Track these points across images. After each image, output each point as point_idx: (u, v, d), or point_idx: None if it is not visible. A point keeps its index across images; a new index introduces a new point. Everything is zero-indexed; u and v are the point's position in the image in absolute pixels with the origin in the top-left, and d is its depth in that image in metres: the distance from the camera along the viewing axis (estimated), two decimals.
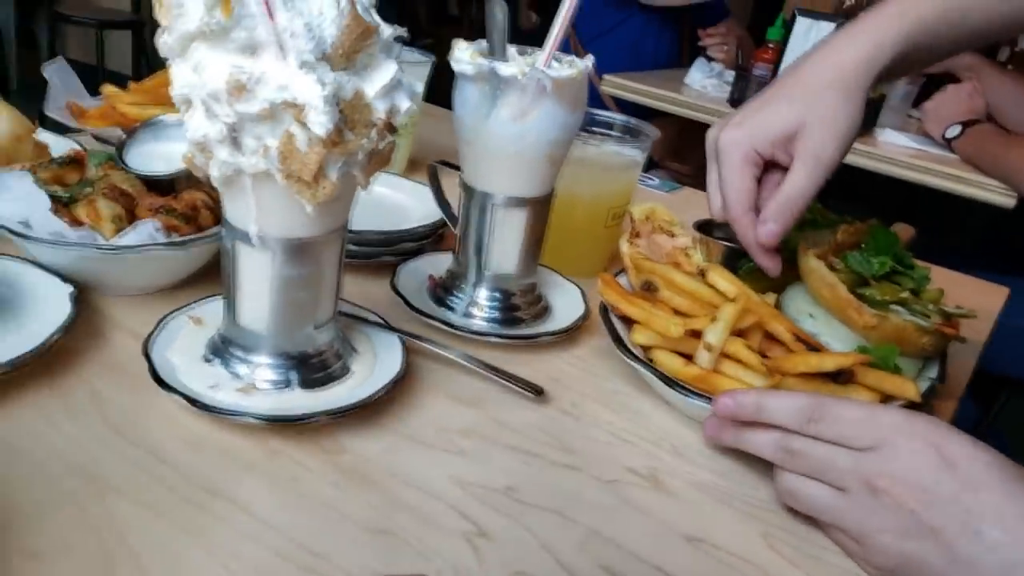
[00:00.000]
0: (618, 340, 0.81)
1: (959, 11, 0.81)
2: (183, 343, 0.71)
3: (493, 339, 0.84)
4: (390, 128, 0.63)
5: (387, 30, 0.60)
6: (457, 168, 0.88)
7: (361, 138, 0.60)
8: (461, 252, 0.89)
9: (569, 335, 0.88)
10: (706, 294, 0.83)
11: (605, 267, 1.07)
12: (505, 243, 0.86)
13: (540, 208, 0.87)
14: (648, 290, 0.84)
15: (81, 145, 1.00)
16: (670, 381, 0.75)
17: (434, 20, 5.92)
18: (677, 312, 0.84)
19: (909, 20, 0.79)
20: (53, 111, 1.10)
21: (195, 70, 0.56)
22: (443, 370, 0.79)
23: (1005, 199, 2.18)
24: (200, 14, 0.54)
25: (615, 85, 2.71)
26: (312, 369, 0.70)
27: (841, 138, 0.79)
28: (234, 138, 0.58)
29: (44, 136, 0.99)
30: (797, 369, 0.77)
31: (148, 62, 5.74)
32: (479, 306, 0.88)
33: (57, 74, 1.11)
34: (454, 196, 0.91)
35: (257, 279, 0.65)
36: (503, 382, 0.77)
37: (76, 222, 0.77)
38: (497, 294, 0.89)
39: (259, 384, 0.68)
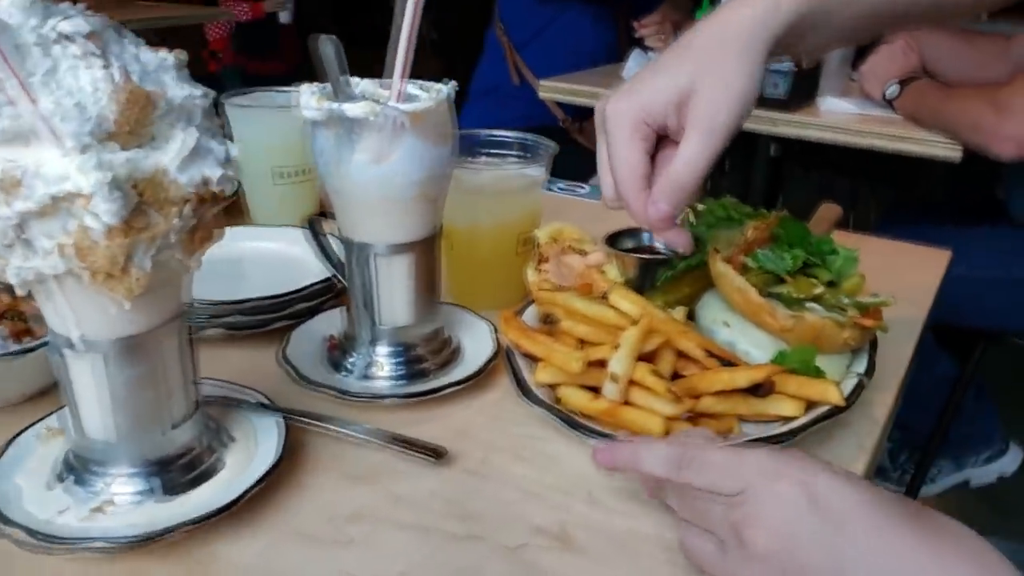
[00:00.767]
0: (519, 383, 0.75)
1: None
2: (35, 462, 0.65)
3: (390, 401, 0.78)
4: (213, 198, 0.57)
5: (178, 94, 0.54)
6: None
7: (170, 218, 0.54)
8: (352, 309, 0.83)
9: (479, 381, 0.82)
10: (610, 318, 0.78)
11: (525, 295, 1.01)
12: (394, 293, 0.81)
13: (426, 250, 0.81)
14: (548, 322, 0.78)
15: None
16: (573, 423, 0.69)
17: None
18: (582, 342, 0.78)
19: None
20: None
21: None
22: (335, 445, 0.73)
23: (951, 152, 2.14)
24: None
25: (553, 89, 2.66)
26: (178, 472, 0.64)
27: (735, 101, 0.68)
28: (24, 240, 0.52)
29: None
30: (712, 388, 0.72)
31: None
32: (378, 364, 0.82)
33: None
34: None
35: (91, 386, 0.59)
36: (400, 449, 0.71)
37: None
38: (397, 348, 0.83)
39: (117, 499, 0.61)
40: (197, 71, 0.56)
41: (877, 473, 2.35)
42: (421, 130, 0.73)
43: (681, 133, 0.71)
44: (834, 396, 0.71)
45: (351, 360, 0.83)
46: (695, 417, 0.72)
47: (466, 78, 2.86)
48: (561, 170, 1.46)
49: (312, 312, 0.92)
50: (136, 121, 0.52)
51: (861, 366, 0.79)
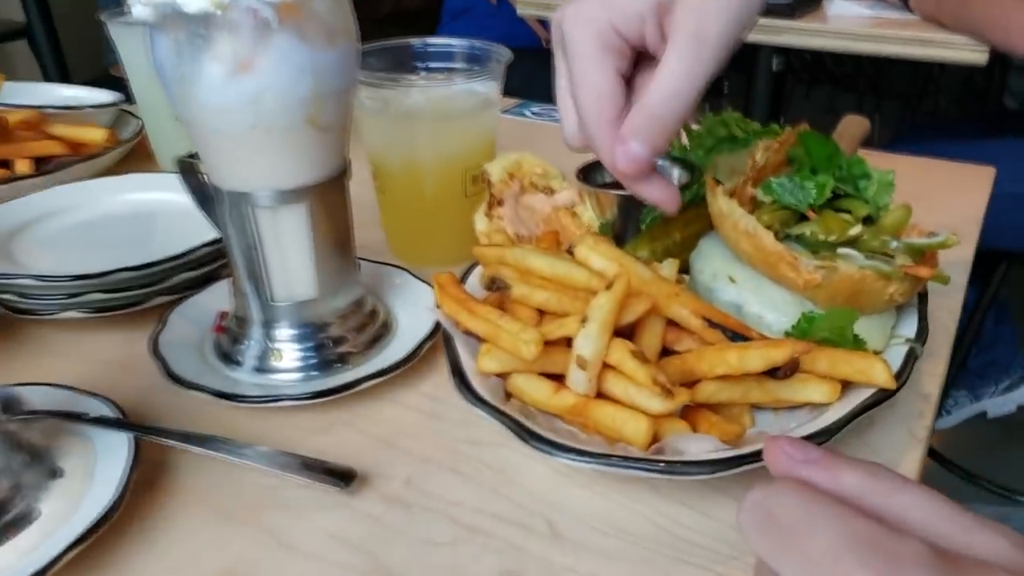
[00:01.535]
0: (458, 373, 0.56)
1: None
2: None
3: (288, 403, 0.59)
4: None
5: None
6: None
7: None
8: (236, 282, 0.63)
9: (414, 367, 0.63)
10: (577, 279, 0.58)
11: None
12: (287, 258, 0.61)
13: (329, 196, 0.61)
14: (496, 289, 0.59)
15: None
16: (526, 432, 0.50)
17: None
18: (541, 313, 0.59)
19: None
20: None
21: None
22: (209, 468, 0.54)
23: (976, 56, 1.91)
24: None
25: (533, 4, 2.38)
26: None
27: (730, 5, 0.51)
28: None
29: None
30: (714, 371, 0.53)
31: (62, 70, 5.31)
32: (276, 353, 0.63)
33: None
34: None
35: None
36: (292, 476, 0.53)
37: None
38: (301, 330, 0.63)
39: None
40: None
41: None
42: (297, 27, 0.52)
43: (663, 48, 0.50)
44: (881, 376, 0.52)
45: (242, 348, 0.64)
46: (693, 409, 0.53)
47: None
48: (545, 97, 1.25)
49: (203, 282, 0.73)
50: None
51: (910, 327, 0.60)
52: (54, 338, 0.71)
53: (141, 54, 0.95)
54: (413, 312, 0.69)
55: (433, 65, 0.81)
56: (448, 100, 0.78)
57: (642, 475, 0.47)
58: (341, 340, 0.64)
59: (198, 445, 0.54)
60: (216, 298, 0.70)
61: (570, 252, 0.60)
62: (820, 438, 0.49)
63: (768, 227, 0.58)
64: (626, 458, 0.47)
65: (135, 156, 1.07)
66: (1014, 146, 1.92)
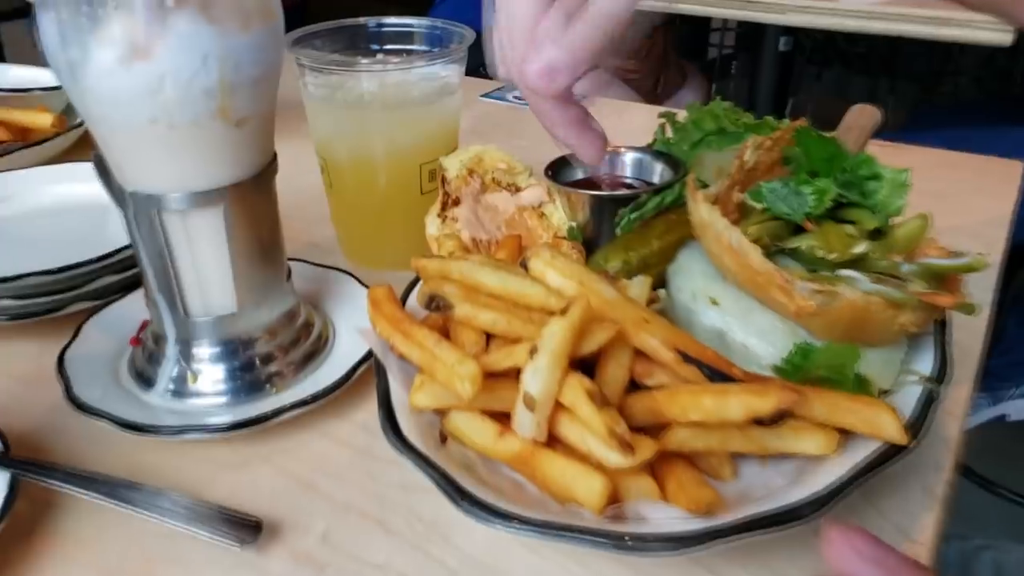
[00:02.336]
0: (386, 409, 0.48)
1: None
2: None
3: (193, 436, 0.51)
4: None
5: None
6: None
7: None
8: (148, 293, 0.55)
9: (351, 391, 0.55)
10: (534, 298, 0.50)
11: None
12: (203, 268, 0.53)
13: (250, 196, 0.53)
14: (436, 309, 0.51)
15: None
16: (457, 492, 0.42)
17: None
18: (488, 338, 0.51)
19: None
20: None
21: None
22: (103, 511, 0.47)
23: (1000, 36, 1.80)
24: None
25: None
26: None
27: None
28: None
29: None
30: (686, 416, 0.45)
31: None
32: (192, 375, 0.55)
33: None
34: None
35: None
36: (183, 528, 0.45)
37: None
38: (223, 348, 0.56)
39: None
40: None
41: None
42: (201, 7, 0.44)
43: None
44: (890, 428, 0.43)
45: (156, 367, 0.56)
46: (663, 458, 0.45)
47: None
48: None
49: (129, 287, 0.65)
50: None
51: (925, 362, 0.51)
52: None
53: None
54: (355, 323, 0.61)
55: (389, 47, 0.73)
56: (404, 86, 0.69)
57: (593, 550, 0.39)
58: (269, 358, 0.57)
59: (81, 487, 0.46)
60: (143, 306, 0.62)
61: (524, 266, 0.51)
62: (811, 507, 0.41)
63: (756, 241, 0.50)
64: (574, 528, 0.39)
65: (87, 143, 0.99)
66: None
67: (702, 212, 0.51)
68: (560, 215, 0.66)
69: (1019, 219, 0.92)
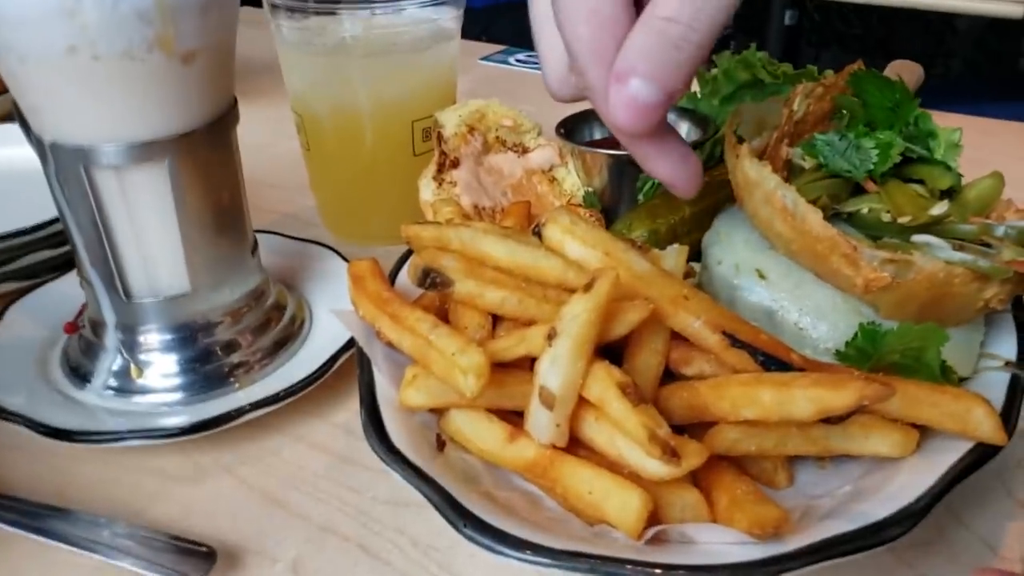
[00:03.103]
0: (369, 407, 0.39)
1: None
2: None
3: (138, 442, 0.42)
4: None
5: None
6: None
7: None
8: (80, 271, 0.46)
9: (326, 385, 0.47)
10: (549, 272, 0.41)
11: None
12: (146, 238, 0.44)
13: (204, 150, 0.44)
14: (433, 287, 0.42)
15: None
16: (458, 513, 0.33)
17: None
18: (495, 320, 0.42)
19: None
20: None
21: None
22: (24, 546, 0.38)
23: (1012, 8, 1.74)
24: None
25: None
26: None
27: None
28: None
29: None
30: (738, 414, 0.36)
31: None
32: (137, 368, 0.46)
33: None
34: None
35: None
36: (121, 564, 0.36)
37: None
38: (175, 336, 0.47)
39: None
40: None
41: None
42: None
43: None
44: (986, 426, 0.35)
45: (94, 360, 0.47)
46: (705, 467, 0.37)
47: None
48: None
49: (64, 266, 0.56)
50: None
51: (1006, 344, 0.43)
52: None
53: None
54: (336, 305, 0.52)
55: None
56: (393, 30, 0.60)
57: None
58: (231, 347, 0.48)
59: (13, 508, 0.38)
60: (74, 289, 0.53)
61: (537, 234, 0.43)
62: (901, 526, 0.33)
63: (814, 201, 0.41)
64: (608, 560, 0.31)
65: None
66: None
67: (748, 170, 0.43)
68: (574, 179, 0.58)
69: None
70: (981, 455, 0.36)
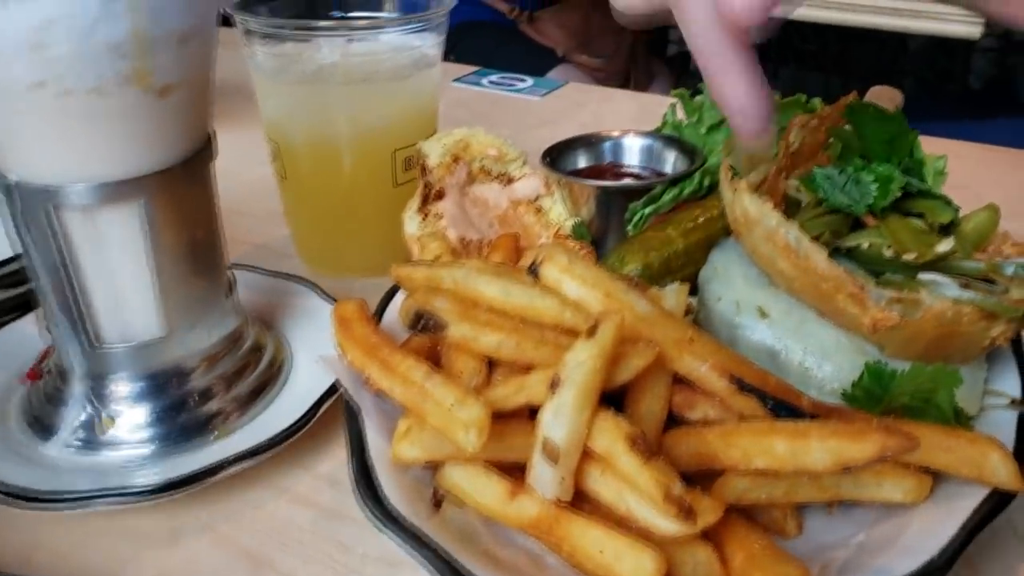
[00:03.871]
0: (358, 460, 0.37)
1: None
2: None
3: (107, 506, 0.39)
4: None
5: None
6: None
7: None
8: (46, 316, 0.43)
9: (312, 432, 0.44)
10: (547, 312, 0.39)
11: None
12: (117, 281, 0.41)
13: (180, 189, 0.41)
14: (425, 330, 0.40)
15: None
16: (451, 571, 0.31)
17: None
18: (491, 364, 0.40)
19: None
20: None
21: None
22: None
23: (969, 28, 1.78)
24: None
25: None
26: None
27: None
28: None
29: None
30: (750, 463, 0.35)
31: None
32: (107, 420, 0.43)
33: None
34: None
35: None
36: None
37: None
38: (147, 384, 0.44)
39: None
40: None
41: None
42: None
43: None
44: (1002, 472, 0.34)
45: (59, 410, 0.44)
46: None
47: None
48: (507, 68, 1.08)
49: (22, 307, 0.53)
50: None
51: (1010, 381, 0.43)
52: None
53: None
54: (317, 346, 0.50)
55: (355, 13, 0.61)
56: (373, 57, 0.58)
57: None
58: (208, 394, 0.45)
59: None
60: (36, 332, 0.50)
61: (534, 272, 0.41)
62: None
63: (817, 238, 0.40)
64: None
65: None
66: (1012, 124, 1.80)
67: (748, 206, 0.41)
68: (560, 209, 0.56)
69: None
70: (998, 502, 0.35)
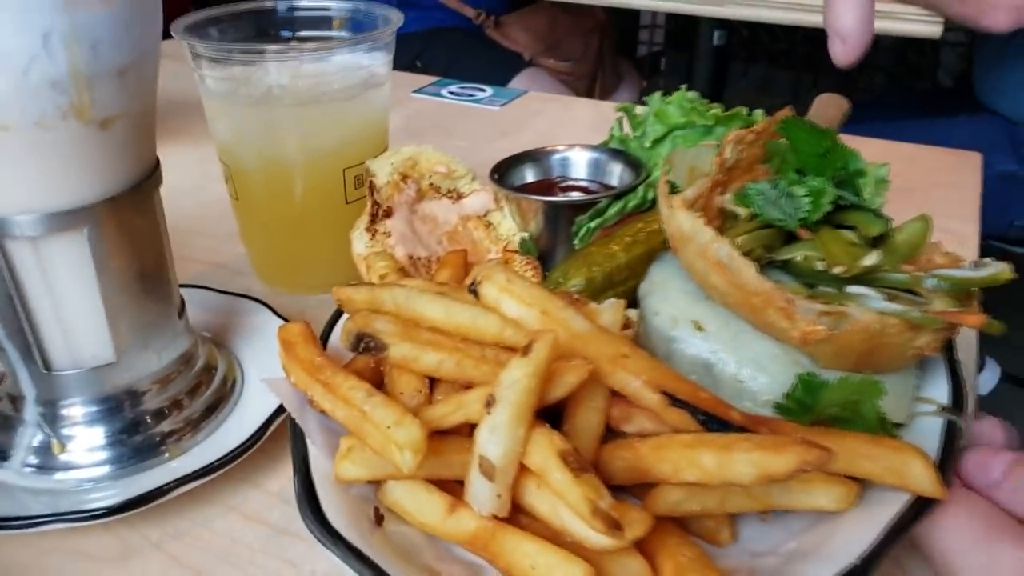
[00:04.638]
0: (303, 479, 0.38)
1: None
2: None
3: (57, 526, 0.40)
4: None
5: None
6: None
7: None
8: None
9: (264, 449, 0.45)
10: (487, 330, 0.41)
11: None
12: (66, 308, 0.42)
13: (126, 216, 0.42)
14: (367, 351, 0.41)
15: None
16: None
17: None
18: (432, 383, 0.41)
19: None
20: None
21: None
22: None
23: (931, 28, 1.81)
24: None
25: None
26: None
27: None
28: None
29: None
30: (680, 476, 0.36)
31: None
32: (59, 443, 0.44)
33: None
34: None
35: None
36: None
37: None
38: (100, 408, 0.45)
39: None
40: None
41: None
42: None
43: None
44: (923, 480, 0.36)
45: (12, 435, 0.44)
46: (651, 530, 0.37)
47: None
48: (474, 78, 1.08)
49: None
50: None
51: (938, 388, 0.44)
52: None
53: None
54: (269, 364, 0.51)
55: (303, 33, 0.62)
56: (322, 78, 0.59)
57: None
58: (161, 415, 0.46)
59: None
60: None
61: (474, 292, 0.42)
62: None
63: (748, 254, 0.42)
64: None
65: None
66: (973, 122, 1.83)
67: (682, 222, 0.43)
68: (509, 224, 0.57)
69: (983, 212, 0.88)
70: (920, 509, 0.36)
